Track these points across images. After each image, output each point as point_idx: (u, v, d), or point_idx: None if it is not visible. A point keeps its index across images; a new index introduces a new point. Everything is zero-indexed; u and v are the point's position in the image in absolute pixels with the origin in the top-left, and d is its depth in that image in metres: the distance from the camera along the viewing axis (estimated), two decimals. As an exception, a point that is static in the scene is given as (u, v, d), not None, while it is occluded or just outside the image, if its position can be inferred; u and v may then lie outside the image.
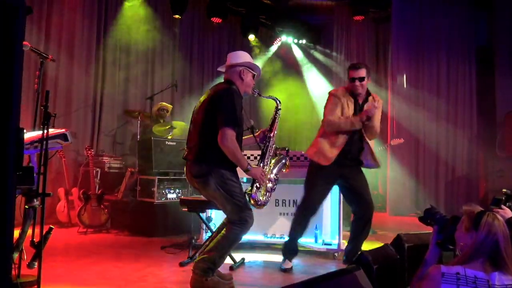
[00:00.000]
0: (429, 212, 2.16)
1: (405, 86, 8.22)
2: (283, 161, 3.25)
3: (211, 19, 8.13)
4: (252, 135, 3.24)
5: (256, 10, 8.58)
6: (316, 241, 4.26)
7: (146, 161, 5.28)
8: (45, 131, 2.42)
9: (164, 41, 7.87)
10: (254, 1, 8.42)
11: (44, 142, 2.41)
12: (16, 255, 2.55)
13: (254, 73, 3.17)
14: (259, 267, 3.75)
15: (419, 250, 2.67)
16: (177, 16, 7.56)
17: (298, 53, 9.49)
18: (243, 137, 3.14)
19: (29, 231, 2.67)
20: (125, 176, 5.73)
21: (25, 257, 2.75)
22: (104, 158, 6.13)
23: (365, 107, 3.57)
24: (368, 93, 3.64)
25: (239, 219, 2.90)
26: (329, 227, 4.30)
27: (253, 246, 4.45)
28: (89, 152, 5.44)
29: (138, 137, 6.23)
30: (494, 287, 1.60)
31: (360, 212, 3.65)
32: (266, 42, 9.29)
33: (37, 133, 2.64)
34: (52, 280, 3.10)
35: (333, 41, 9.08)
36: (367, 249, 4.11)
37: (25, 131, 2.96)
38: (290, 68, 9.54)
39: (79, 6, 6.55)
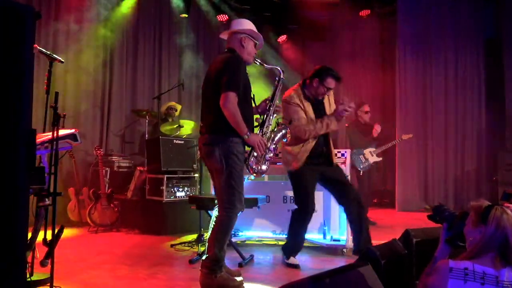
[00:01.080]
0: (437, 210, 2.15)
1: (412, 81, 8.17)
2: (283, 131, 3.22)
3: (217, 17, 8.15)
4: (253, 105, 3.20)
5: (261, 7, 8.58)
6: (324, 237, 4.27)
7: (154, 160, 5.32)
8: (55, 131, 2.45)
9: (171, 40, 7.91)
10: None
11: (54, 143, 2.45)
12: (29, 254, 2.59)
13: (256, 41, 3.13)
14: (268, 263, 3.77)
15: (427, 245, 2.67)
16: (184, 15, 7.59)
17: (303, 50, 9.47)
18: None
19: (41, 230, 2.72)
20: (134, 175, 5.79)
21: (38, 255, 2.80)
22: (113, 157, 6.19)
23: (327, 103, 3.63)
24: None
25: (227, 201, 2.88)
26: (337, 223, 4.30)
27: (262, 243, 4.48)
28: (99, 152, 5.50)
29: (146, 136, 6.28)
30: (503, 283, 1.57)
31: (348, 209, 3.63)
32: (271, 39, 9.28)
33: (47, 134, 2.68)
34: (64, 278, 3.15)
35: (338, 37, 9.05)
36: (374, 244, 4.13)
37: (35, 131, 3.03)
38: (296, 65, 9.52)
39: (86, 7, 6.60)
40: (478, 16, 8.05)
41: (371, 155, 5.81)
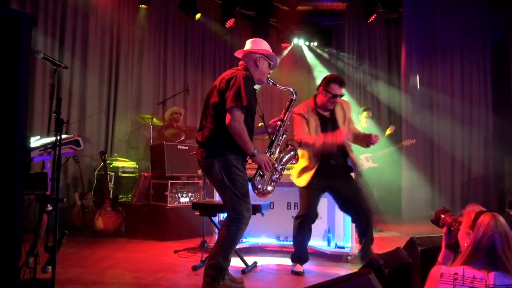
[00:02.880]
0: (439, 214, 2.17)
1: (418, 86, 8.13)
2: (292, 152, 3.20)
3: (223, 22, 8.19)
4: (262, 124, 3.19)
5: (267, 13, 8.60)
6: (328, 244, 4.24)
7: (158, 165, 5.32)
8: (58, 137, 2.45)
9: (176, 46, 7.95)
10: (264, 5, 8.45)
11: (57, 148, 2.45)
12: (31, 260, 2.59)
13: (271, 62, 3.13)
14: (271, 270, 3.74)
15: (432, 253, 2.63)
16: (199, 15, 7.58)
17: (309, 56, 9.47)
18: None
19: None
20: (138, 181, 5.80)
21: (40, 261, 2.79)
22: (118, 162, 6.20)
23: (341, 114, 3.60)
24: None
25: (235, 212, 2.86)
26: (341, 230, 4.27)
27: (265, 250, 4.44)
28: (103, 157, 5.51)
29: (151, 141, 6.28)
30: (492, 287, 1.59)
31: (357, 220, 3.61)
32: (277, 45, 9.29)
33: (50, 140, 2.69)
34: (67, 284, 3.14)
35: (344, 43, 9.05)
36: (379, 253, 4.08)
37: (39, 137, 3.04)
38: (302, 70, 9.52)
39: (92, 14, 6.66)
40: (484, 20, 8.01)
41: (366, 161, 5.71)
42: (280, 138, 3.18)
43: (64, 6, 6.32)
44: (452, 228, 2.03)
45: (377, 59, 8.90)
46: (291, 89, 3.30)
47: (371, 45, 8.93)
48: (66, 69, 2.97)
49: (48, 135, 3.04)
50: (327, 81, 3.51)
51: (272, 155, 3.08)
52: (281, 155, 3.17)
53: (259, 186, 3.03)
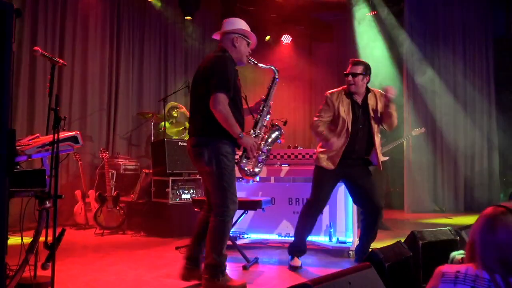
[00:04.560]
0: None
1: (420, 81, 8.08)
2: (277, 132, 3.16)
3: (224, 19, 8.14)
4: (246, 105, 3.14)
5: (267, 9, 8.56)
6: (330, 239, 4.22)
7: (159, 162, 5.32)
8: (56, 134, 2.44)
9: (177, 42, 7.93)
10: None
11: (55, 145, 2.44)
12: (31, 257, 2.59)
13: (249, 41, 3.05)
14: (273, 266, 3.72)
15: (433, 247, 2.62)
16: (188, 17, 7.59)
17: (311, 48, 9.43)
18: None
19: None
20: (140, 178, 5.79)
21: (40, 258, 2.80)
22: (119, 160, 6.20)
23: (371, 103, 3.54)
24: (368, 90, 3.58)
25: (221, 204, 2.83)
26: (343, 225, 4.25)
27: (266, 245, 4.44)
28: (105, 154, 5.51)
29: (152, 138, 6.28)
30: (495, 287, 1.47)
31: (366, 214, 3.59)
32: (278, 40, 9.25)
33: (48, 137, 2.68)
34: (68, 280, 3.14)
35: (345, 37, 8.99)
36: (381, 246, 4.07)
37: (38, 135, 3.03)
38: (304, 65, 9.48)
39: (92, 11, 6.64)
40: (487, 14, 7.96)
41: None
42: (265, 118, 3.12)
43: (64, 2, 6.30)
44: None
45: (377, 54, 8.83)
46: (273, 67, 3.23)
47: (371, 40, 8.84)
48: (65, 66, 2.95)
49: (47, 133, 3.04)
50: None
51: (257, 136, 3.03)
52: (267, 135, 3.12)
53: (246, 169, 2.99)
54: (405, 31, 8.06)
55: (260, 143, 3.05)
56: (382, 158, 5.54)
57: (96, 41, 6.69)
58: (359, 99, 3.56)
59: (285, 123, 3.37)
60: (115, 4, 6.99)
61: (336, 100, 3.53)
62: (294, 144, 4.70)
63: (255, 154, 2.97)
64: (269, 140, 3.14)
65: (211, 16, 8.42)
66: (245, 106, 3.12)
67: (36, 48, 2.88)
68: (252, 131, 3.04)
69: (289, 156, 4.32)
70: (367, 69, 3.53)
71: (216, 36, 3.11)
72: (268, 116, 3.15)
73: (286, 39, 9.24)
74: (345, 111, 3.49)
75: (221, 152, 2.82)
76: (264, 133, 3.13)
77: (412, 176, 7.94)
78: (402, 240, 2.55)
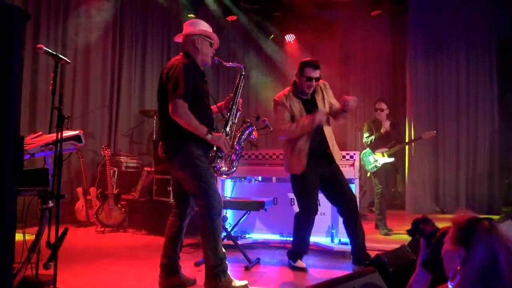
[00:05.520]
0: (417, 223, 1.77)
1: (423, 82, 8.05)
2: (250, 129, 3.14)
3: (226, 17, 8.15)
4: (214, 104, 3.12)
5: (270, 7, 8.54)
6: (332, 240, 4.21)
7: (161, 160, 5.29)
8: (59, 133, 2.43)
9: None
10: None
11: (58, 144, 2.43)
12: (33, 256, 2.58)
13: (211, 41, 3.04)
14: (275, 267, 3.71)
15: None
16: (191, 15, 7.57)
17: (312, 48, 9.40)
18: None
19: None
20: (141, 176, 5.78)
21: (42, 257, 2.79)
22: (121, 157, 6.20)
23: (319, 97, 3.51)
24: None
25: (205, 204, 2.81)
26: (345, 226, 4.23)
27: (268, 246, 4.43)
28: (106, 152, 5.50)
29: (154, 136, 6.26)
30: None
31: (343, 209, 3.52)
32: (281, 38, 9.22)
33: (51, 135, 2.67)
34: (70, 279, 3.14)
35: (347, 36, 8.95)
36: (384, 248, 4.04)
37: (41, 133, 3.02)
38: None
39: (95, 7, 6.61)
40: (491, 14, 7.91)
41: (382, 156, 5.43)
42: (235, 115, 3.09)
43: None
44: (432, 240, 1.62)
45: (381, 53, 8.81)
46: (240, 65, 3.20)
47: (375, 40, 8.82)
48: (68, 64, 2.93)
49: (50, 131, 3.02)
50: (301, 65, 3.49)
51: (228, 135, 3.01)
52: (239, 133, 3.10)
53: (221, 168, 2.97)
54: (409, 31, 8.02)
55: (233, 141, 3.02)
56: (388, 160, 5.44)
57: (98, 38, 6.67)
58: (307, 96, 3.54)
59: (257, 118, 3.36)
60: (118, 0, 6.96)
61: (287, 102, 3.50)
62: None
63: (227, 152, 2.95)
64: (242, 136, 3.12)
65: (213, 14, 8.37)
66: (213, 106, 3.11)
67: (39, 45, 2.86)
68: (223, 130, 3.02)
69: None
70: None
71: (179, 39, 3.10)
72: (239, 113, 3.12)
73: (289, 37, 9.20)
74: (298, 111, 3.47)
75: (192, 156, 2.81)
76: (236, 131, 3.10)
77: (413, 176, 7.92)
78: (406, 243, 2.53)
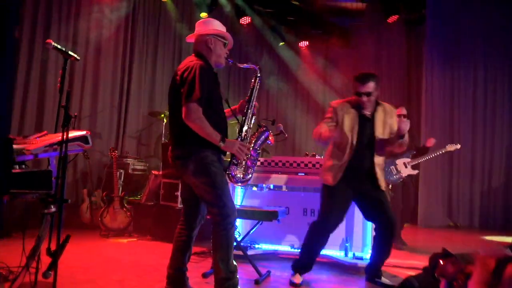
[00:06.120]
0: (436, 259, 1.60)
1: (439, 91, 7.86)
2: (266, 134, 2.98)
3: (240, 20, 8.02)
4: (229, 109, 2.96)
5: (285, 11, 8.41)
6: (346, 254, 4.01)
7: (169, 164, 5.12)
8: (65, 133, 2.28)
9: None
10: (281, 2, 8.25)
11: (64, 145, 2.27)
12: (32, 263, 2.42)
13: (225, 41, 2.87)
14: (286, 280, 3.52)
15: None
16: (204, 14, 7.43)
17: (327, 54, 9.25)
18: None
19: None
20: (149, 179, 5.63)
21: (41, 264, 2.63)
22: (128, 159, 6.06)
23: (380, 117, 3.31)
24: (377, 103, 3.35)
25: (219, 214, 2.65)
26: (360, 240, 4.05)
27: (279, 257, 4.24)
28: (113, 153, 5.36)
29: (163, 139, 6.12)
30: None
31: (379, 228, 3.36)
32: (294, 43, 9.09)
33: (57, 135, 2.52)
34: (70, 287, 2.98)
35: (362, 43, 8.80)
36: (398, 265, 3.86)
37: (46, 132, 2.87)
38: (319, 69, 9.30)
39: (108, 7, 6.50)
40: (510, 28, 7.70)
41: (404, 167, 5.13)
42: (250, 120, 2.91)
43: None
44: (455, 284, 1.45)
45: (395, 62, 8.64)
46: (255, 67, 3.02)
47: (390, 47, 8.66)
48: (78, 61, 2.79)
49: (56, 130, 2.88)
50: (353, 79, 3.34)
51: (244, 140, 2.84)
52: (254, 138, 2.94)
53: (236, 175, 2.81)
54: (425, 39, 7.85)
55: (248, 146, 2.86)
56: (411, 172, 5.22)
57: (110, 37, 6.56)
58: (367, 113, 3.34)
59: (273, 122, 3.22)
60: (130, 0, 6.86)
61: (340, 111, 3.33)
62: (312, 152, 4.51)
63: (243, 158, 2.78)
64: (258, 142, 2.96)
65: (226, 16, 8.26)
66: (227, 110, 2.94)
67: (48, 41, 2.72)
68: (238, 135, 2.86)
69: (306, 165, 4.13)
70: (377, 83, 3.29)
71: (191, 40, 2.94)
72: (254, 117, 2.96)
73: (302, 43, 9.06)
74: (350, 124, 3.28)
75: (206, 161, 2.65)
76: (252, 136, 2.94)
77: (426, 190, 7.70)
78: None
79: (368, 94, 3.24)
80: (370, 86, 3.23)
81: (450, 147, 5.33)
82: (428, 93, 7.85)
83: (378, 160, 3.34)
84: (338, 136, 3.28)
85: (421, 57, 8.10)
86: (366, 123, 3.30)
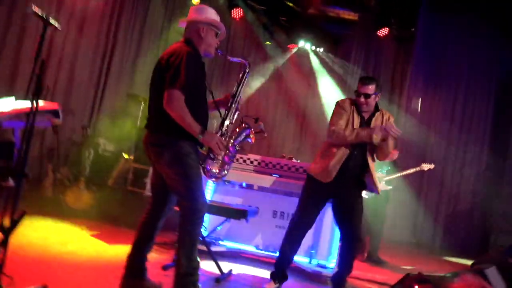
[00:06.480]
0: (409, 282, 1.46)
1: (419, 108, 7.97)
2: (247, 131, 2.90)
3: (231, 12, 7.90)
4: (212, 100, 2.86)
5: (278, 11, 8.34)
6: (310, 261, 3.99)
7: (142, 150, 4.99)
8: (34, 104, 2.13)
9: (178, 27, 7.62)
10: (275, 1, 8.19)
11: (32, 116, 2.13)
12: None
13: (218, 31, 2.78)
14: (247, 282, 3.46)
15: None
16: (196, 0, 7.27)
17: (314, 60, 9.24)
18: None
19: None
20: (118, 162, 5.47)
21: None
22: (99, 140, 5.86)
23: (377, 123, 3.30)
24: (376, 109, 3.37)
25: (188, 206, 2.56)
26: (326, 247, 4.03)
27: (241, 256, 4.16)
28: (85, 131, 5.17)
29: (138, 123, 5.96)
30: None
31: (344, 239, 3.36)
32: (284, 44, 9.04)
33: (25, 104, 2.37)
34: (20, 266, 2.83)
35: (351, 53, 8.83)
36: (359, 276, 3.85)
37: (14, 98, 2.70)
38: (305, 73, 9.28)
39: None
40: (494, 54, 7.89)
41: (378, 181, 5.23)
42: (233, 115, 2.84)
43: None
44: None
45: (380, 74, 8.71)
46: (245, 61, 2.94)
47: (377, 60, 8.73)
48: (58, 32, 2.63)
49: (26, 98, 2.72)
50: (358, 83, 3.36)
51: (223, 135, 2.76)
52: (235, 134, 2.87)
53: (211, 170, 2.72)
54: (412, 57, 7.94)
55: (227, 142, 2.78)
56: (385, 187, 5.24)
57: (95, 13, 6.33)
58: (365, 115, 3.36)
59: (256, 120, 3.13)
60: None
61: (349, 109, 3.32)
62: (289, 155, 4.46)
63: (220, 153, 2.70)
64: (238, 139, 2.88)
65: (217, 7, 8.11)
66: (210, 101, 2.85)
67: (29, 5, 2.56)
68: (218, 129, 2.77)
69: (282, 167, 4.07)
70: (378, 88, 3.30)
71: (182, 24, 2.83)
72: (237, 113, 2.88)
73: (291, 45, 9.01)
74: (355, 125, 3.27)
75: (182, 152, 2.55)
76: (232, 132, 2.86)
77: (393, 205, 7.79)
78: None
79: (366, 96, 3.25)
80: (370, 88, 3.24)
81: (425, 167, 5.38)
82: (408, 110, 7.95)
83: (372, 166, 3.34)
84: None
85: (406, 74, 8.20)
86: (365, 124, 3.31)
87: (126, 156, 5.45)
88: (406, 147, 7.73)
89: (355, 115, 3.30)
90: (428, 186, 7.98)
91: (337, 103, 3.39)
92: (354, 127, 3.26)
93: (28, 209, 2.24)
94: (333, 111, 3.39)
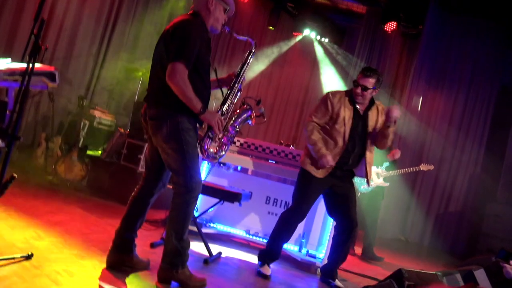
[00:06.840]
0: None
1: (419, 107, 7.92)
2: (248, 113, 2.84)
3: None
4: (215, 78, 2.77)
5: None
6: (300, 250, 3.95)
7: (139, 125, 4.89)
8: (30, 64, 2.04)
9: (183, 7, 7.46)
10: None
11: (27, 77, 2.04)
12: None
13: (226, 6, 2.68)
14: (236, 266, 3.42)
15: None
16: None
17: (318, 50, 9.13)
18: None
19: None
20: (113, 136, 5.38)
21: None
22: (95, 112, 5.76)
23: (373, 115, 3.29)
24: (372, 102, 3.32)
25: (183, 184, 2.50)
26: (317, 237, 4.00)
27: (231, 240, 4.13)
28: (81, 102, 5.07)
29: (136, 97, 5.87)
30: None
31: (340, 229, 3.34)
32: (287, 32, 8.91)
33: (21, 65, 2.27)
34: (5, 232, 2.76)
35: (355, 46, 8.73)
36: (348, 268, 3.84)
37: (10, 60, 2.61)
38: (308, 62, 9.18)
39: None
40: (498, 61, 7.83)
41: (376, 177, 5.11)
42: (235, 95, 2.77)
43: None
44: None
45: (384, 70, 8.63)
46: (251, 40, 2.85)
47: (382, 54, 8.64)
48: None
49: (22, 60, 2.62)
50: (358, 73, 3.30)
51: (224, 115, 2.69)
52: (235, 115, 2.79)
53: (209, 149, 2.65)
54: (417, 55, 7.85)
55: (228, 122, 2.71)
56: (383, 184, 5.20)
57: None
58: (361, 109, 3.30)
59: (258, 102, 3.05)
60: None
61: (337, 103, 3.25)
62: (287, 142, 4.39)
63: (220, 134, 2.63)
64: (238, 120, 2.80)
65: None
66: (212, 79, 2.76)
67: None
68: (219, 109, 2.69)
69: (278, 153, 4.01)
70: (378, 83, 3.24)
71: None
72: (239, 93, 2.80)
73: (297, 32, 8.90)
74: (346, 118, 3.22)
75: (181, 127, 2.47)
76: (233, 112, 2.79)
77: (386, 201, 7.78)
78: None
79: (364, 88, 3.20)
80: (370, 81, 3.20)
81: (424, 167, 5.34)
82: (408, 108, 7.89)
83: (368, 158, 3.32)
84: (328, 130, 3.26)
85: (409, 71, 8.11)
86: (359, 120, 3.27)
87: (121, 130, 5.35)
88: (404, 144, 7.72)
89: (346, 109, 3.24)
90: (421, 185, 7.96)
91: (327, 95, 3.32)
92: (345, 120, 3.21)
93: (18, 176, 2.17)
94: (320, 100, 3.35)
